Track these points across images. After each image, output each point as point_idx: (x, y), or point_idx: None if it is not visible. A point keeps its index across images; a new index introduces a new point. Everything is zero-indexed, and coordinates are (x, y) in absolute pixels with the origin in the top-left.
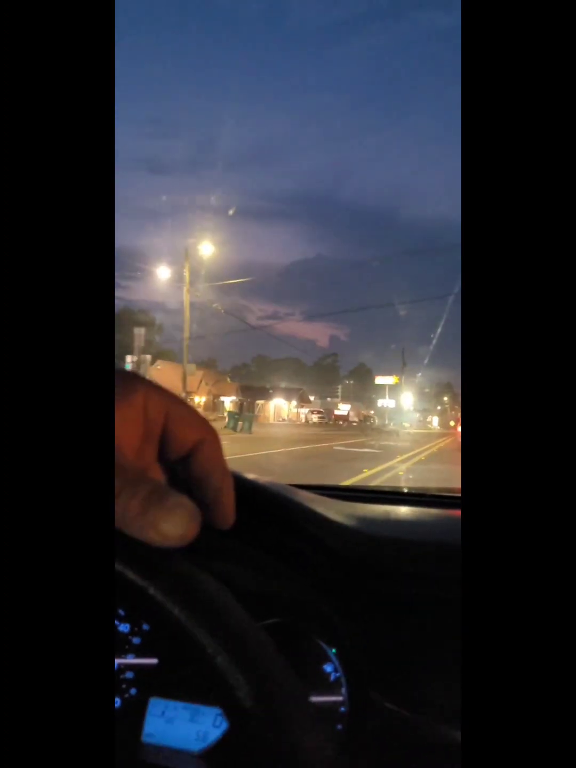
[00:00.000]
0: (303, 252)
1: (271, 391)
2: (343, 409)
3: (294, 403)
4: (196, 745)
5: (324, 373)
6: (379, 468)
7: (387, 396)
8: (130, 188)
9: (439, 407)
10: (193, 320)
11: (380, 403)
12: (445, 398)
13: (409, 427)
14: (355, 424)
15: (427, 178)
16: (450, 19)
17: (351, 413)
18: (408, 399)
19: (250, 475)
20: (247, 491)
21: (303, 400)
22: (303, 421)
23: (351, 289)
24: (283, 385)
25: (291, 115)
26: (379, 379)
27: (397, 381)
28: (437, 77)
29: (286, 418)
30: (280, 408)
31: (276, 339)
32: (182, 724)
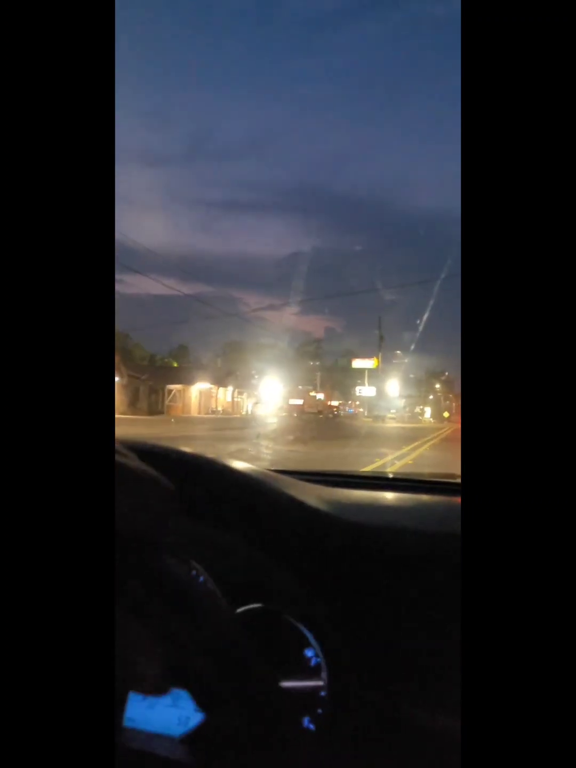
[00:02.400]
0: (298, 244)
1: (193, 373)
2: (320, 397)
3: (230, 389)
4: (177, 730)
5: (307, 360)
6: None
7: (366, 382)
8: (124, 181)
9: (431, 396)
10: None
11: (359, 390)
12: (437, 386)
13: (393, 418)
14: (321, 416)
15: (422, 168)
16: (446, 9)
17: (308, 403)
18: (393, 386)
19: (230, 462)
20: (227, 478)
21: (243, 386)
22: (245, 412)
23: (346, 279)
24: (212, 365)
25: (285, 105)
26: (357, 363)
27: (377, 364)
28: (433, 67)
29: (218, 408)
30: (209, 395)
31: (265, 330)
32: (163, 709)
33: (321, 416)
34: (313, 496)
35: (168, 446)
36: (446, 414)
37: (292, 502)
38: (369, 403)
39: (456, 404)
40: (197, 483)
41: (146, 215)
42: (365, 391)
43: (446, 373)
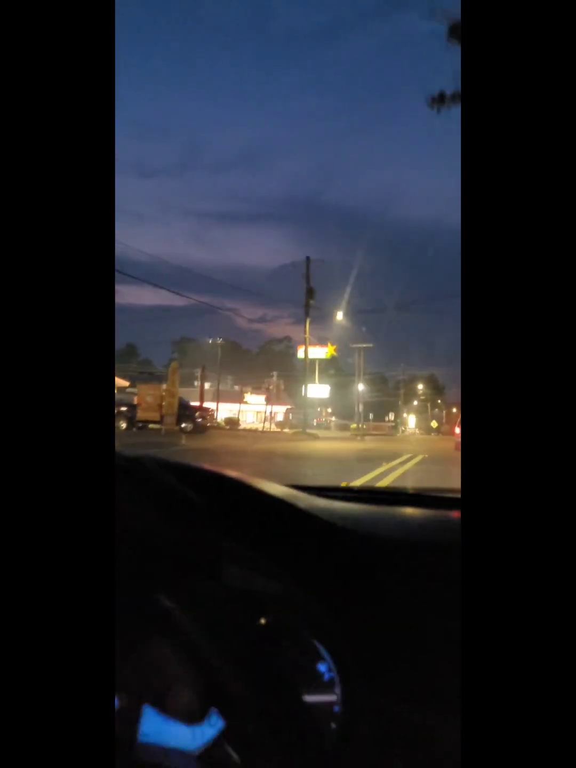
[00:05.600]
0: (291, 254)
1: None
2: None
3: None
4: (192, 745)
5: (274, 360)
6: None
7: (317, 380)
8: (117, 191)
9: (414, 401)
10: None
11: (305, 391)
12: (419, 386)
13: (357, 430)
14: (156, 427)
15: (413, 180)
16: (436, 22)
17: (145, 403)
18: (359, 387)
19: (244, 477)
20: (242, 492)
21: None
22: None
23: (341, 288)
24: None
25: (277, 118)
26: (304, 351)
27: (332, 353)
28: (423, 80)
29: None
30: None
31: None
32: (177, 724)
33: (157, 427)
34: (324, 509)
35: (188, 462)
36: (434, 424)
37: (304, 515)
38: (312, 406)
39: (447, 412)
40: (215, 496)
41: (139, 225)
42: (315, 390)
43: (438, 378)
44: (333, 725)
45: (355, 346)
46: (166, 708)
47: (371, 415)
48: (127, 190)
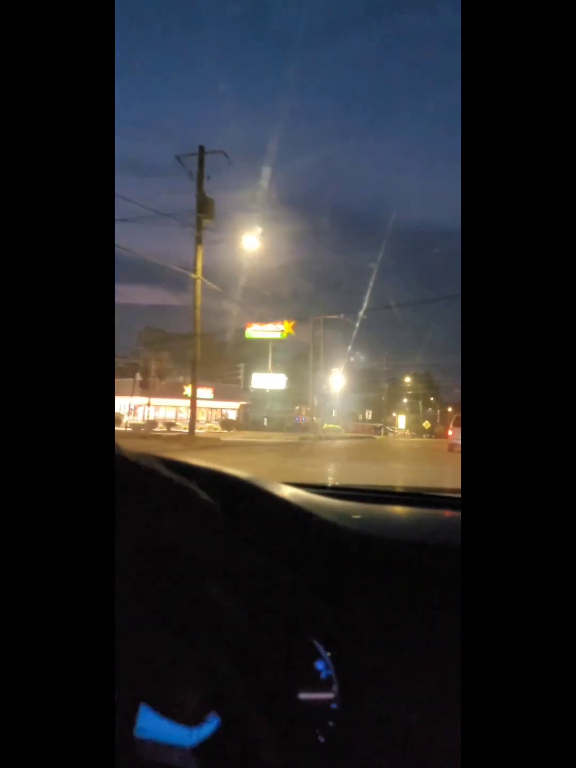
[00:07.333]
0: (288, 254)
1: None
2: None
3: None
4: (189, 740)
5: (254, 354)
6: None
7: (269, 368)
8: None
9: (404, 400)
10: None
11: (255, 382)
12: (406, 379)
13: (334, 430)
14: None
15: (412, 180)
16: (433, 22)
17: None
18: (336, 380)
19: (244, 474)
20: (242, 490)
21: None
22: None
23: (337, 290)
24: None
25: (275, 117)
26: (254, 330)
27: (289, 331)
28: (421, 80)
29: None
30: None
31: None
32: (174, 722)
33: None
34: (324, 508)
35: (192, 462)
36: (427, 424)
37: (303, 513)
38: (267, 401)
39: (443, 412)
40: (219, 495)
41: (137, 225)
42: (264, 380)
43: (433, 376)
44: (330, 723)
45: (317, 317)
46: (165, 709)
47: (335, 413)
48: (124, 189)
